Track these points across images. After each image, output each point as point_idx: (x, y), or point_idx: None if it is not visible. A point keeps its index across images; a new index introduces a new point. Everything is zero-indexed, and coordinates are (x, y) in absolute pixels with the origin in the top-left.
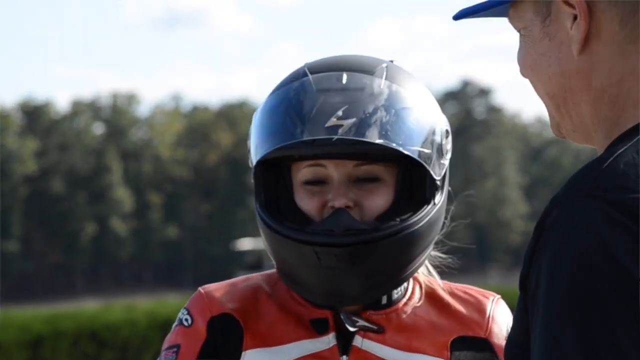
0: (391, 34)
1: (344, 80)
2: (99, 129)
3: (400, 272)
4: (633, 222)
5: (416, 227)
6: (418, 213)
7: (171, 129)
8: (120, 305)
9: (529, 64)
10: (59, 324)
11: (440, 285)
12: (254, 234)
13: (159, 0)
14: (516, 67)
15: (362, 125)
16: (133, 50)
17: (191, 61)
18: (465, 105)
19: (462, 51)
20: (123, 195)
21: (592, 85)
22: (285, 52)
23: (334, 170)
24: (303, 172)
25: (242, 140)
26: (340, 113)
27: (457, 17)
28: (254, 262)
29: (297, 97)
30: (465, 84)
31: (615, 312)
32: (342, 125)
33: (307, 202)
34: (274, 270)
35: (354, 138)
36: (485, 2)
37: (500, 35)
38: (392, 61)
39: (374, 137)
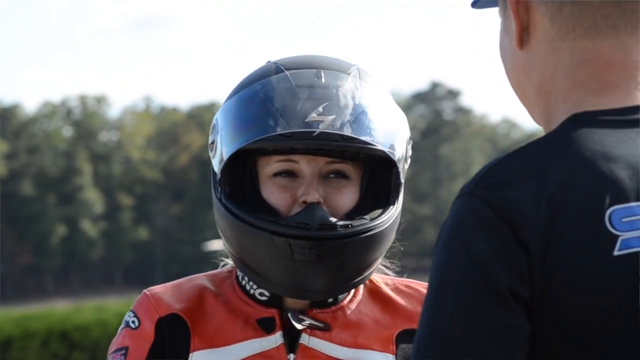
0: (361, 35)
1: (323, 78)
2: (68, 131)
3: (364, 270)
4: (498, 219)
5: (385, 227)
6: (386, 213)
7: (141, 131)
8: (91, 306)
9: (500, 56)
10: (29, 325)
11: (383, 281)
12: None
13: (131, 3)
14: (485, 69)
15: (343, 122)
16: (104, 53)
17: (162, 63)
18: (434, 107)
19: (432, 53)
20: (93, 197)
21: (532, 81)
22: (255, 55)
23: (306, 165)
24: (273, 166)
25: None
26: (320, 109)
27: (473, 5)
28: (225, 263)
29: (276, 91)
30: (434, 86)
31: (467, 302)
32: (322, 121)
33: (277, 196)
34: (219, 270)
35: (342, 133)
36: None
37: (469, 37)
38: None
39: (356, 134)
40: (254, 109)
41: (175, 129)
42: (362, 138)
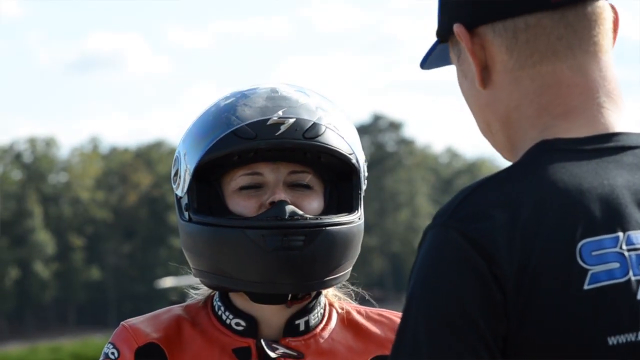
0: (303, 70)
1: (280, 92)
2: (18, 174)
3: (334, 269)
4: (475, 252)
5: (352, 226)
6: (353, 214)
7: (90, 171)
8: (46, 347)
9: (467, 103)
10: None
11: (355, 310)
12: (176, 272)
13: (72, 44)
14: (426, 100)
15: (304, 122)
16: (49, 95)
17: (107, 104)
18: (376, 139)
19: (373, 86)
20: (44, 239)
21: (500, 114)
22: (200, 93)
23: (270, 173)
24: (238, 180)
25: (161, 180)
26: (280, 113)
27: (422, 66)
28: (178, 299)
29: (235, 104)
30: (377, 118)
31: (446, 347)
32: (284, 123)
33: (243, 204)
34: (194, 301)
35: (305, 129)
36: (430, 48)
37: (411, 68)
38: None
39: (318, 133)
40: (213, 120)
41: (123, 168)
42: (324, 138)
